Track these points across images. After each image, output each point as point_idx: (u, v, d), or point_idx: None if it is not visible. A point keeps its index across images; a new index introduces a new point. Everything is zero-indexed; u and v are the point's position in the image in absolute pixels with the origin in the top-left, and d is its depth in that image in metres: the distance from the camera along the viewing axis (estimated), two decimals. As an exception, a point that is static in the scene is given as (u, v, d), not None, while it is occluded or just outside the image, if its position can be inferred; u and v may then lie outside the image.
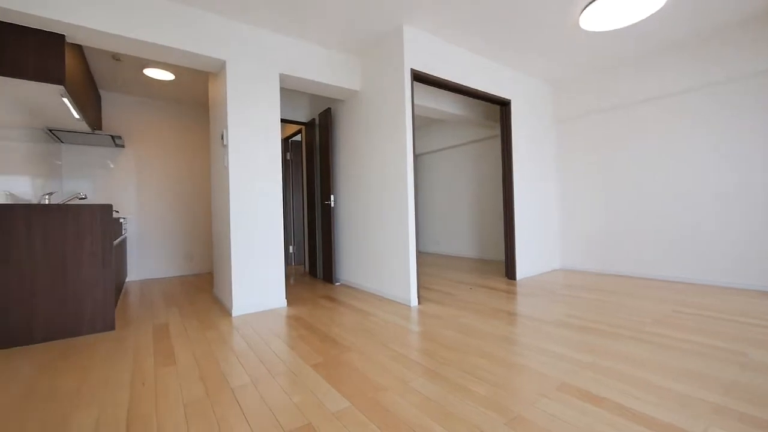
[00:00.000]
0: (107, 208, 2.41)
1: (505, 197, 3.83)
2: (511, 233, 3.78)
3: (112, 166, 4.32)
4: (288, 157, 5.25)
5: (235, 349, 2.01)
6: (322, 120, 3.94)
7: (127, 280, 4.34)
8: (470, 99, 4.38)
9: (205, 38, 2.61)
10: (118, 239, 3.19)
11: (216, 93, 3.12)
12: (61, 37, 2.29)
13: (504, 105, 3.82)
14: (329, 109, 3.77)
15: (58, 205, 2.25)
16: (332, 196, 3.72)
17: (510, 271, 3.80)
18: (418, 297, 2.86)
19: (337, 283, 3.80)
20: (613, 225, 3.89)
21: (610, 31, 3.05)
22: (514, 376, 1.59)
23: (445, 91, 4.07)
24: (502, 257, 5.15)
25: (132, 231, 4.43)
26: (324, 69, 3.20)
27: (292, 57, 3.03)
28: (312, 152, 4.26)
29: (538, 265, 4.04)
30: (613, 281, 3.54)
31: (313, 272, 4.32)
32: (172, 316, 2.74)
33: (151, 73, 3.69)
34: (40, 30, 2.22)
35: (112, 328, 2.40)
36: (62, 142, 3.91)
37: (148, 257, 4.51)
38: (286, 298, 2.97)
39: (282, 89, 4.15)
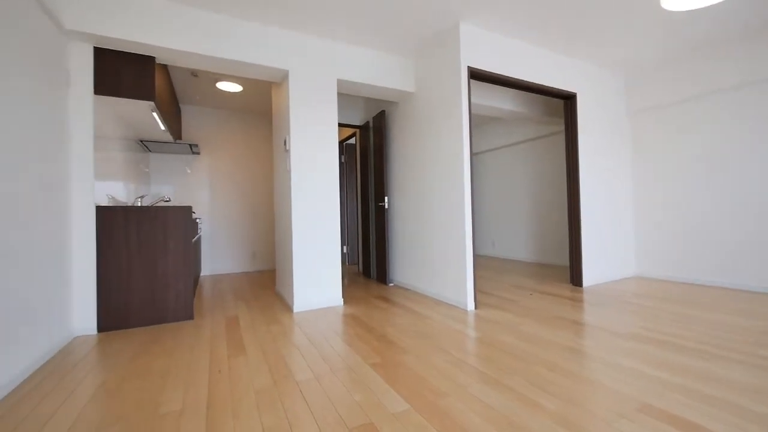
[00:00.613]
0: (188, 210, 2.67)
1: (570, 197, 3.57)
2: (576, 236, 3.51)
3: (189, 171, 4.80)
4: (342, 160, 5.41)
5: (297, 343, 2.11)
6: (376, 123, 4.00)
7: (201, 274, 4.78)
8: (529, 95, 4.16)
9: (270, 51, 2.79)
10: (195, 237, 3.53)
11: (279, 101, 3.32)
12: (152, 58, 2.60)
13: (568, 99, 3.56)
14: (383, 111, 3.82)
15: (148, 207, 2.55)
16: (386, 198, 3.76)
17: (575, 277, 3.53)
18: (475, 301, 2.77)
19: (390, 284, 3.83)
20: (695, 228, 3.44)
21: (695, 10, 2.70)
22: (586, 392, 1.47)
23: (502, 88, 3.91)
24: (565, 262, 4.81)
25: (205, 230, 4.88)
26: (379, 72, 3.25)
27: (349, 62, 3.12)
28: (366, 155, 4.35)
29: (608, 272, 3.70)
30: (696, 291, 3.12)
31: (366, 272, 4.40)
32: (241, 309, 2.96)
33: (223, 86, 4.04)
34: (135, 54, 2.54)
35: (191, 317, 2.66)
36: (150, 151, 4.44)
37: (218, 254, 4.94)
38: (342, 297, 3.06)
39: (339, 94, 4.30)
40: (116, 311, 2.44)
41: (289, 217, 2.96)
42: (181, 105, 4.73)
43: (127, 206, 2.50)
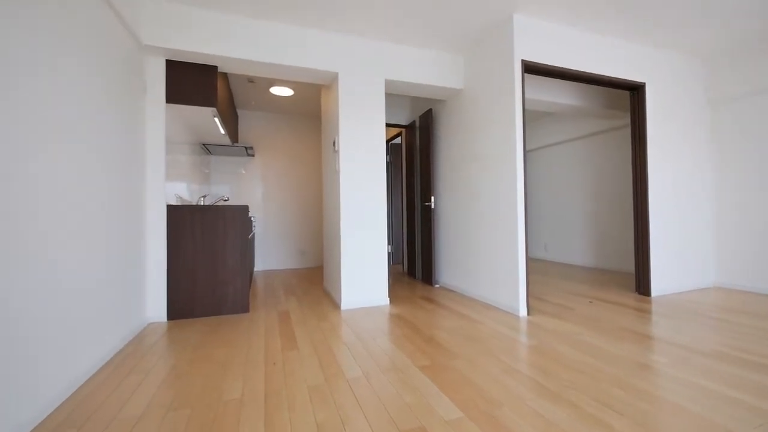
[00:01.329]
0: (245, 209, 2.83)
1: (637, 197, 3.26)
2: (644, 240, 3.20)
3: (243, 172, 5.10)
4: (388, 160, 5.42)
5: (346, 340, 2.15)
6: (422, 121, 3.96)
7: (254, 269, 5.06)
8: (587, 87, 3.87)
9: (321, 55, 2.87)
10: (250, 235, 3.73)
11: (328, 103, 3.40)
12: (215, 68, 2.78)
13: (635, 90, 3.26)
14: (430, 110, 3.77)
15: (210, 206, 2.74)
16: (432, 198, 3.71)
17: (642, 285, 3.22)
18: (528, 307, 2.63)
19: (436, 285, 3.77)
20: (801, 234, 2.96)
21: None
22: (664, 416, 1.33)
23: (558, 81, 3.67)
24: (628, 268, 4.41)
25: (258, 228, 5.16)
26: (427, 70, 3.21)
27: (397, 62, 3.11)
28: (412, 154, 4.32)
29: (681, 281, 3.33)
30: (802, 308, 2.70)
31: (411, 272, 4.37)
32: (291, 304, 3.08)
33: (276, 90, 4.23)
34: (200, 64, 2.74)
35: (246, 310, 2.81)
36: (211, 153, 4.78)
37: (269, 251, 5.19)
38: (388, 296, 3.07)
39: (385, 94, 4.31)
40: (183, 302, 2.65)
41: (337, 217, 3.02)
42: (238, 110, 5.04)
43: (192, 205, 2.70)
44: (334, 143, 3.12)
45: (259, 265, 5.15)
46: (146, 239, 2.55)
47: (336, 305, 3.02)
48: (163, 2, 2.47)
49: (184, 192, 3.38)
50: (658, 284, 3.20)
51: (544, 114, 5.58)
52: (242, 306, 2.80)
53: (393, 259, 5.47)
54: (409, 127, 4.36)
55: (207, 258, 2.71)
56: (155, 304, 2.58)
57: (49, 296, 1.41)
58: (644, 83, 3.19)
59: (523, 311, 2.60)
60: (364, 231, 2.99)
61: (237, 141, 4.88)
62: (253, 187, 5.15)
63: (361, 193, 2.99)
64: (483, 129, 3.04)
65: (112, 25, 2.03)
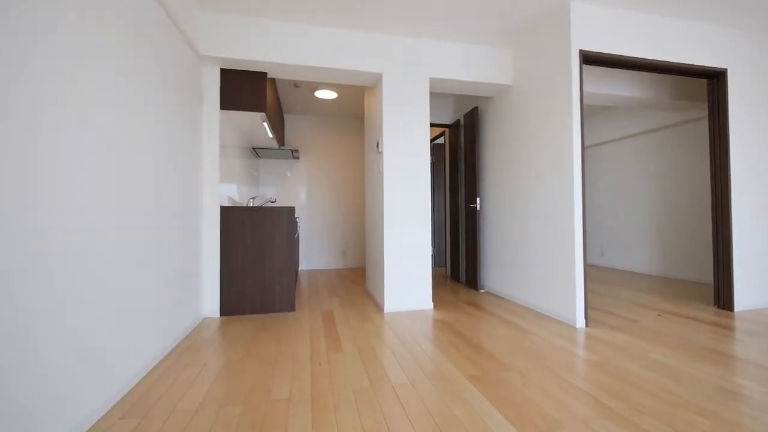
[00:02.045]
0: (291, 210, 2.91)
1: (716, 198, 2.89)
2: (725, 247, 2.83)
3: (289, 174, 5.27)
4: (431, 160, 5.34)
5: (390, 344, 2.11)
6: (467, 120, 3.83)
7: (299, 269, 5.21)
8: (653, 77, 3.51)
9: (365, 56, 2.87)
10: (295, 235, 3.84)
11: (372, 104, 3.40)
12: (264, 74, 2.89)
13: (714, 77, 2.89)
14: (476, 108, 3.63)
15: (259, 207, 2.84)
16: (478, 199, 3.57)
17: (723, 297, 2.85)
18: (586, 318, 2.43)
19: (481, 290, 3.62)
20: None
21: None
22: (762, 453, 1.13)
23: (618, 72, 3.37)
24: (702, 277, 3.94)
25: (302, 229, 5.30)
26: (473, 67, 3.09)
27: (442, 59, 3.03)
28: (456, 154, 4.20)
29: (770, 294, 2.90)
30: None
31: (455, 276, 4.25)
32: (335, 304, 3.11)
33: (320, 94, 4.32)
34: (251, 71, 2.85)
35: (292, 309, 2.88)
36: (259, 157, 5.00)
37: (312, 251, 5.32)
38: (432, 300, 2.99)
39: (429, 93, 4.23)
40: (234, 299, 2.78)
41: (380, 219, 3.01)
42: (284, 114, 5.23)
43: (243, 206, 2.82)
44: (377, 144, 3.11)
45: (303, 264, 5.30)
46: (202, 239, 2.70)
47: (379, 307, 3.00)
48: (218, 14, 2.61)
49: (235, 194, 3.56)
50: (742, 297, 2.81)
51: (601, 108, 5.18)
52: (289, 304, 2.88)
53: (435, 262, 5.36)
54: (453, 127, 4.24)
55: (256, 257, 2.82)
56: (210, 301, 2.72)
57: (123, 291, 1.53)
58: (725, 69, 2.82)
59: (580, 322, 2.40)
60: (408, 233, 2.94)
61: (283, 144, 5.06)
62: (297, 188, 5.31)
63: (404, 194, 2.94)
64: (536, 126, 2.86)
65: (176, 41, 2.17)
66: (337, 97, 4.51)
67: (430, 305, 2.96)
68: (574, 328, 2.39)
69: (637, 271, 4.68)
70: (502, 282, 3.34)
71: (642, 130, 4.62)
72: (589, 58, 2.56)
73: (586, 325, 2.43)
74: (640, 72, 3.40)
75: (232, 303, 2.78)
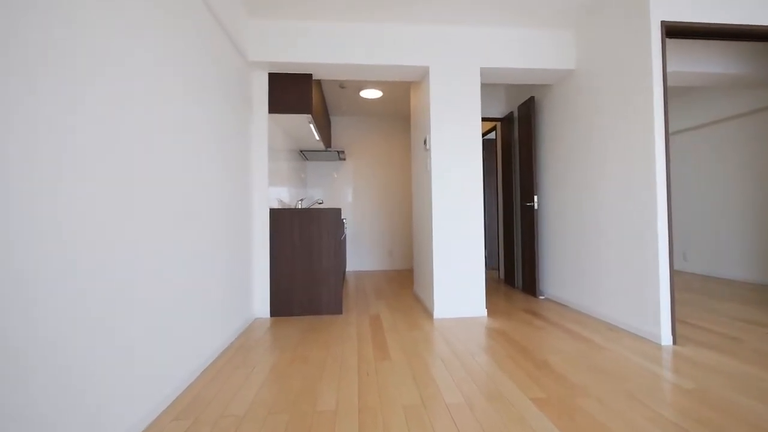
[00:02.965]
0: (338, 212, 2.87)
1: None
2: None
3: (336, 176, 5.31)
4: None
5: (441, 355, 1.96)
6: (522, 112, 3.54)
7: (346, 270, 5.22)
8: (755, 48, 2.95)
9: (411, 50, 2.74)
10: (342, 236, 3.82)
11: (418, 100, 3.26)
12: (310, 75, 2.88)
13: (843, 41, 2.34)
14: (532, 98, 3.33)
15: (307, 209, 2.84)
16: (535, 197, 3.27)
17: None
18: (674, 334, 2.07)
19: (540, 297, 3.32)
20: None
21: None
22: None
23: (705, 45, 2.88)
24: (822, 287, 3.25)
25: (349, 230, 5.31)
26: (529, 52, 2.82)
27: (494, 47, 2.81)
28: (509, 149, 3.91)
29: None
30: None
31: (509, 280, 3.96)
32: (382, 308, 3.02)
33: (366, 93, 4.28)
34: (296, 74, 2.86)
35: (340, 312, 2.84)
36: (307, 159, 5.09)
37: (359, 252, 5.30)
38: (486, 307, 2.78)
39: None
40: (283, 300, 2.80)
41: (429, 219, 2.86)
42: (330, 116, 5.27)
43: (291, 208, 2.84)
44: (425, 142, 2.97)
45: (350, 265, 5.30)
46: (253, 240, 2.76)
47: (428, 313, 2.85)
48: (265, 20, 2.64)
49: (285, 196, 3.63)
50: None
51: (684, 89, 4.53)
52: (336, 307, 2.84)
53: (486, 264, 5.07)
54: (505, 120, 3.96)
55: (304, 258, 2.82)
56: (260, 301, 2.77)
57: (181, 292, 1.56)
58: None
59: (666, 339, 2.05)
60: (459, 234, 2.76)
61: (330, 146, 5.10)
62: (344, 189, 5.33)
63: (454, 193, 2.76)
64: (606, 113, 2.53)
65: (227, 48, 2.22)
66: (383, 96, 4.43)
67: (484, 312, 2.74)
68: (659, 345, 2.04)
69: (729, 277, 4.01)
70: (566, 288, 3.02)
71: (737, 112, 3.95)
72: (672, 30, 2.19)
73: (674, 342, 2.07)
74: (735, 42, 2.88)
75: (282, 304, 2.80)
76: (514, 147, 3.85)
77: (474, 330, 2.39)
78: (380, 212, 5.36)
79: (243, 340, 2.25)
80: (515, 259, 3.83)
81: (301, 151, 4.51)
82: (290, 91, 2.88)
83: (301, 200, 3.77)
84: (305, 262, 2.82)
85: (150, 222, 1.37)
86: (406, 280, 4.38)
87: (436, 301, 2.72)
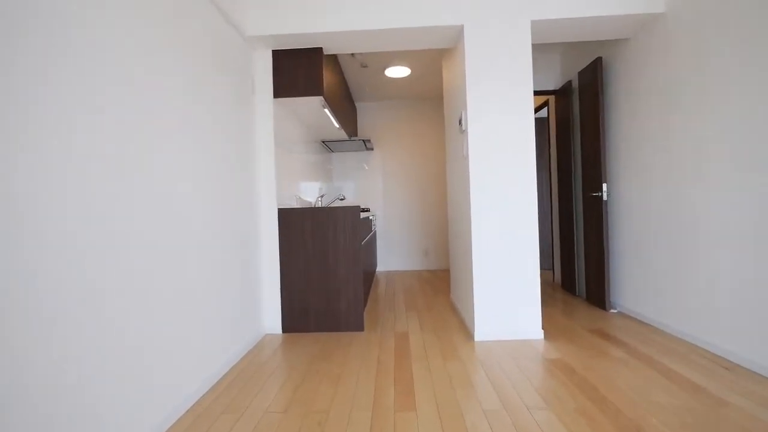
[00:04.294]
0: (355, 210, 2.43)
1: None
2: None
3: (366, 167, 4.86)
4: (527, 140, 4.35)
5: (486, 406, 1.45)
6: (584, 79, 2.83)
7: (376, 270, 4.81)
8: None
9: (440, 5, 2.19)
10: (368, 236, 3.39)
11: (451, 72, 2.70)
12: (319, 50, 2.43)
13: None
14: (598, 59, 2.63)
15: (320, 208, 2.43)
16: (604, 185, 2.59)
17: None
18: (844, 387, 1.38)
19: (611, 311, 2.65)
20: None
21: None
22: None
23: None
24: None
25: (379, 226, 4.87)
26: (599, -5, 2.14)
27: (549, -8, 2.16)
28: (566, 128, 3.21)
29: None
30: None
31: (568, 286, 3.30)
32: (412, 323, 2.55)
33: (391, 72, 3.76)
34: (304, 49, 2.43)
35: (361, 328, 2.41)
36: (332, 151, 4.69)
37: (391, 250, 4.85)
38: (542, 327, 2.21)
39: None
40: (296, 314, 2.43)
41: (467, 214, 2.32)
42: (356, 103, 4.82)
43: (302, 208, 2.44)
44: (460, 121, 2.42)
45: (382, 265, 4.87)
46: (261, 244, 2.40)
47: (467, 332, 2.33)
48: (264, -15, 2.22)
49: (306, 192, 3.25)
50: None
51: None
52: (356, 323, 2.42)
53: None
54: (561, 92, 3.26)
55: (319, 267, 2.42)
56: (270, 315, 2.43)
57: (190, 309, 1.21)
58: None
59: (831, 394, 1.38)
60: (505, 233, 2.20)
61: (356, 135, 4.66)
62: (374, 182, 4.88)
63: (499, 182, 2.20)
64: (716, 72, 1.82)
65: (219, 24, 1.83)
66: (410, 74, 3.88)
67: (540, 334, 2.17)
68: (820, 403, 1.37)
69: None
70: (648, 302, 2.34)
71: None
72: (841, -74, 1.44)
73: None
74: None
75: (295, 318, 2.44)
76: (574, 125, 3.15)
77: (528, 362, 1.84)
78: (414, 206, 4.85)
79: (254, 355, 1.97)
80: (576, 259, 3.16)
81: (324, 142, 4.12)
82: (298, 72, 2.45)
83: (322, 196, 3.38)
84: (320, 270, 2.42)
85: (135, 230, 1.01)
86: (442, 283, 3.86)
87: (477, 319, 2.19)
